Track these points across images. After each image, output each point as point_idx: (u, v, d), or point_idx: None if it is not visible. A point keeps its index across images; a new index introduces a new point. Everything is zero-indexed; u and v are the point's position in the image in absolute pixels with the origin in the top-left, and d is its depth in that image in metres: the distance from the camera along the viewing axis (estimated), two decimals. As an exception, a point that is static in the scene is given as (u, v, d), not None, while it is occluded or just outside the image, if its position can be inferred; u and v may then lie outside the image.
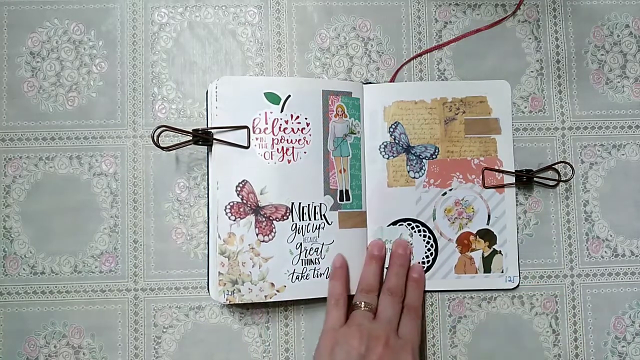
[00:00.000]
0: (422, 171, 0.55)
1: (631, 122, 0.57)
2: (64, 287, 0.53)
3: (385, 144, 0.55)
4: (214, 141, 0.52)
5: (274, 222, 0.52)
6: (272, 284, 0.52)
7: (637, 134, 0.57)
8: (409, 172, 0.55)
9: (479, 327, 0.55)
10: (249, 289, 0.51)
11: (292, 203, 0.52)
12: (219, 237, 0.51)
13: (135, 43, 0.56)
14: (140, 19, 0.56)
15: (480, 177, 0.55)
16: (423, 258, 0.54)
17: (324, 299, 0.52)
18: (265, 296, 0.51)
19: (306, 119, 0.53)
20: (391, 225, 0.54)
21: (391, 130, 0.55)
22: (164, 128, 0.50)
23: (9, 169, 0.54)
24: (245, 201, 0.52)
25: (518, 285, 0.55)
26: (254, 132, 0.52)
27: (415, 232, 0.54)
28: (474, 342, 0.54)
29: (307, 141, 0.53)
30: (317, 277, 0.52)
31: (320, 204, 0.53)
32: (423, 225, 0.54)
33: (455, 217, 0.54)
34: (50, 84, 0.55)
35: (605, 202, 0.56)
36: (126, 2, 0.56)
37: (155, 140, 0.50)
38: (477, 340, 0.54)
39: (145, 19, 0.56)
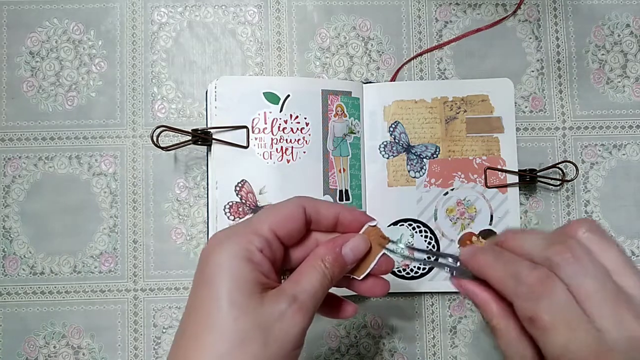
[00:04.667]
0: (423, 171, 0.55)
1: (632, 122, 0.57)
2: (64, 287, 0.53)
3: (385, 143, 0.55)
4: (213, 141, 0.52)
5: (274, 222, 0.52)
6: (272, 284, 0.51)
7: (637, 134, 0.57)
8: (409, 171, 0.55)
9: (479, 328, 0.54)
10: (249, 289, 0.51)
11: (292, 203, 0.52)
12: (219, 237, 0.51)
13: (134, 42, 0.56)
14: (139, 19, 0.56)
15: (483, 176, 0.55)
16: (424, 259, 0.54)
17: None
18: (265, 296, 0.51)
19: (305, 118, 0.53)
20: (392, 225, 0.54)
21: (391, 129, 0.55)
22: (163, 128, 0.50)
23: (8, 168, 0.54)
24: (244, 201, 0.52)
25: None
26: (253, 132, 0.52)
27: (416, 232, 0.54)
28: (474, 343, 0.54)
29: (306, 141, 0.53)
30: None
31: (320, 203, 0.53)
32: (424, 225, 0.54)
33: (457, 218, 0.54)
34: (49, 84, 0.55)
35: (605, 202, 0.56)
36: (126, 1, 0.56)
37: (155, 140, 0.50)
38: (478, 341, 0.54)
39: (145, 18, 0.56)
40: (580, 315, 0.30)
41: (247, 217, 0.52)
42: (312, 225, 0.37)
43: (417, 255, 0.38)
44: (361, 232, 0.38)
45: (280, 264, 0.36)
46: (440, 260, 0.38)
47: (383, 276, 0.39)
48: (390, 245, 0.38)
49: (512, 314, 0.33)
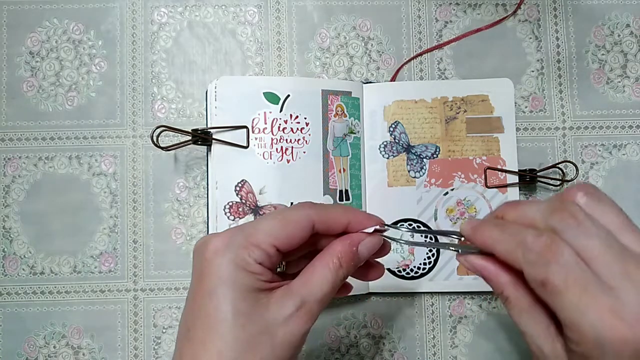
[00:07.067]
0: (423, 171, 0.55)
1: (632, 122, 0.57)
2: (64, 287, 0.53)
3: (385, 143, 0.55)
4: (213, 141, 0.52)
5: (274, 222, 0.52)
6: (272, 284, 0.51)
7: (637, 134, 0.57)
8: (409, 171, 0.55)
9: (479, 328, 0.54)
10: (249, 289, 0.51)
11: (292, 203, 0.52)
12: (219, 237, 0.51)
13: (134, 42, 0.56)
14: (139, 19, 0.56)
15: (483, 176, 0.55)
16: (424, 259, 0.54)
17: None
18: (265, 296, 0.51)
19: (305, 118, 0.53)
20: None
21: (391, 129, 0.55)
22: (163, 128, 0.50)
23: (8, 168, 0.54)
24: (244, 201, 0.52)
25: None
26: (253, 132, 0.52)
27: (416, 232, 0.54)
28: (474, 343, 0.54)
29: (306, 141, 0.53)
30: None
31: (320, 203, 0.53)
32: (424, 225, 0.54)
33: (457, 218, 0.54)
34: (49, 84, 0.55)
35: (606, 202, 0.56)
36: (126, 1, 0.56)
37: (155, 140, 0.50)
38: (478, 341, 0.54)
39: (145, 18, 0.56)
40: (590, 275, 0.30)
41: (248, 219, 0.52)
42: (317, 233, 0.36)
43: (417, 239, 0.38)
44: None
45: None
46: (443, 239, 0.39)
47: (379, 260, 0.40)
48: (391, 237, 0.38)
49: (522, 283, 0.34)
